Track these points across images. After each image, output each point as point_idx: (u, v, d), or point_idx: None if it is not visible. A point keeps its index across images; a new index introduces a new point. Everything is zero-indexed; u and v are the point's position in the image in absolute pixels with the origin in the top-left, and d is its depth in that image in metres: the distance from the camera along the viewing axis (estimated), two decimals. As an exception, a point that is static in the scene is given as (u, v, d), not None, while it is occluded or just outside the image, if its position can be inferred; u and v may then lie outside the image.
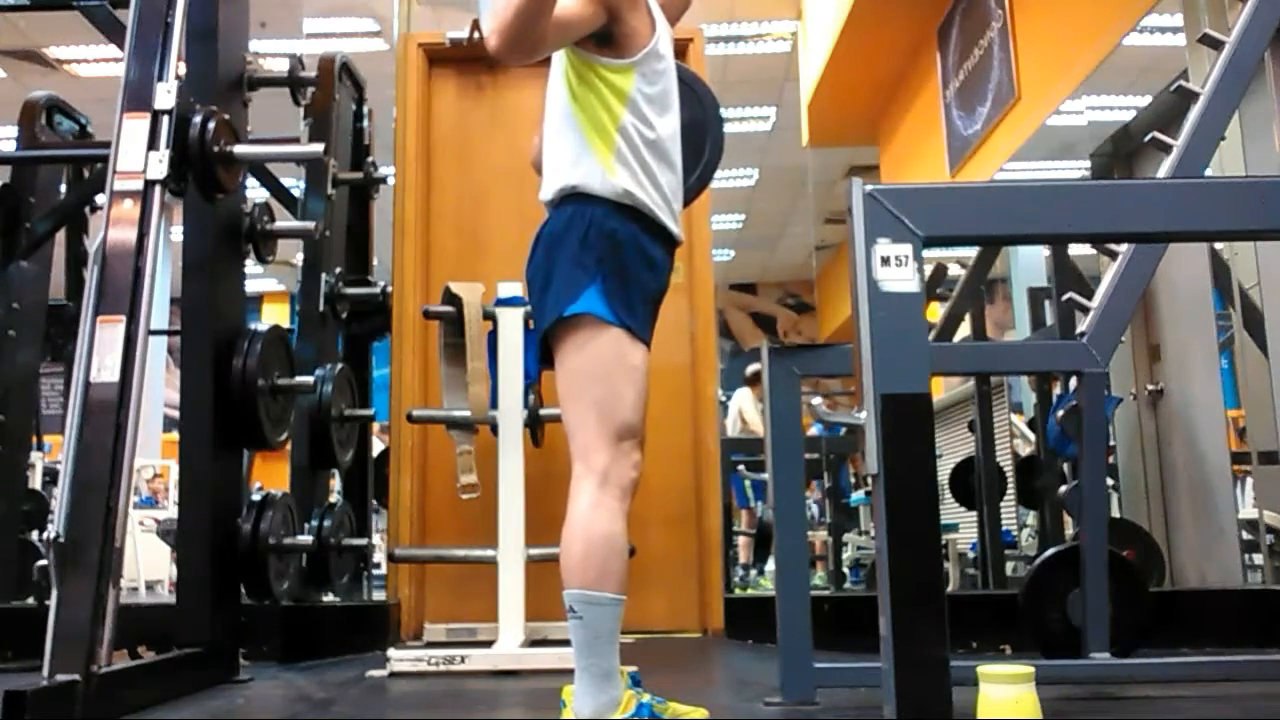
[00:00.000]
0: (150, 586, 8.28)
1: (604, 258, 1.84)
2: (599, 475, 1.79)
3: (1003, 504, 4.70)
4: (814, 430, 6.60)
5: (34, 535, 4.16)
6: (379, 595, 4.10)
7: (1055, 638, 2.40)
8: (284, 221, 3.50)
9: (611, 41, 1.88)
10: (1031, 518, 5.18)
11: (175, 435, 3.01)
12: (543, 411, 3.37)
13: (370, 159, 4.23)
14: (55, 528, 2.13)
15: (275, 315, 12.94)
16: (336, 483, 4.23)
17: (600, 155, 1.87)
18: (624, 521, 1.79)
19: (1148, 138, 2.51)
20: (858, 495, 6.71)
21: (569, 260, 1.85)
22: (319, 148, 3.32)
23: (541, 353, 1.95)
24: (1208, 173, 2.55)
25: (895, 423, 1.51)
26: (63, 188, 4.09)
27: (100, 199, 2.73)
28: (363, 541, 3.80)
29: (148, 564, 8.04)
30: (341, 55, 4.07)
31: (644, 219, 1.89)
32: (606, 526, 1.75)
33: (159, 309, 2.83)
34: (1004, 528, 4.78)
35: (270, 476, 4.65)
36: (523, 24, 1.73)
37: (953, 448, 5.34)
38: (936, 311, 5.01)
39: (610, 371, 1.84)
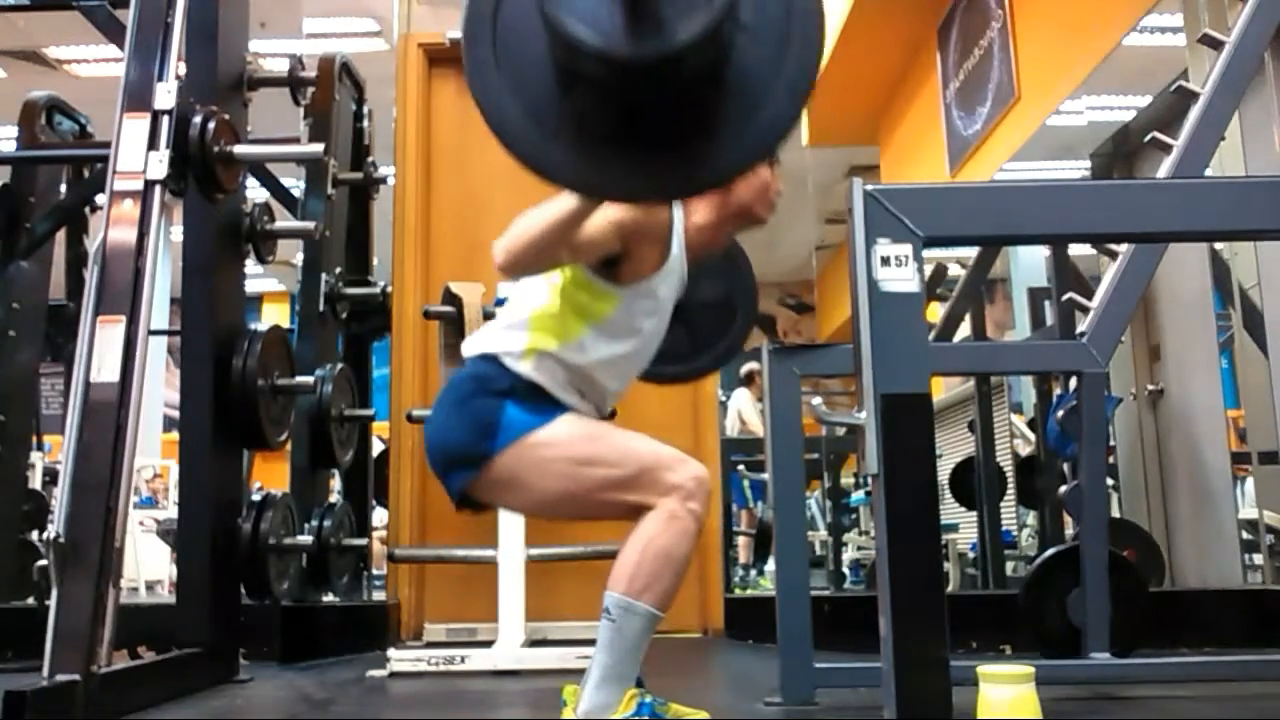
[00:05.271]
0: (150, 586, 8.27)
1: (505, 390, 1.81)
2: (674, 494, 1.74)
3: (1003, 504, 4.70)
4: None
5: (34, 535, 4.15)
6: (379, 595, 4.10)
7: (1055, 638, 2.40)
8: (284, 221, 3.50)
9: (613, 266, 1.83)
10: (1031, 518, 5.18)
11: (175, 435, 3.01)
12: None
13: (370, 159, 4.23)
14: (55, 528, 2.13)
15: (275, 315, 12.93)
16: (336, 483, 4.23)
17: (530, 343, 1.83)
18: (691, 543, 1.75)
19: (1148, 138, 2.51)
20: (858, 495, 6.71)
21: (473, 400, 1.81)
22: (319, 148, 3.32)
23: (460, 502, 1.87)
24: (1208, 173, 2.55)
25: (895, 423, 1.51)
26: (63, 188, 4.09)
27: (100, 199, 2.73)
28: (363, 541, 3.79)
29: (148, 564, 8.03)
30: (341, 55, 4.07)
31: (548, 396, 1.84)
32: (669, 544, 1.72)
33: (159, 309, 2.83)
34: (1004, 528, 4.78)
35: (270, 476, 4.65)
36: (533, 257, 1.73)
37: (953, 448, 5.33)
38: (936, 311, 5.00)
39: (586, 450, 1.79)
